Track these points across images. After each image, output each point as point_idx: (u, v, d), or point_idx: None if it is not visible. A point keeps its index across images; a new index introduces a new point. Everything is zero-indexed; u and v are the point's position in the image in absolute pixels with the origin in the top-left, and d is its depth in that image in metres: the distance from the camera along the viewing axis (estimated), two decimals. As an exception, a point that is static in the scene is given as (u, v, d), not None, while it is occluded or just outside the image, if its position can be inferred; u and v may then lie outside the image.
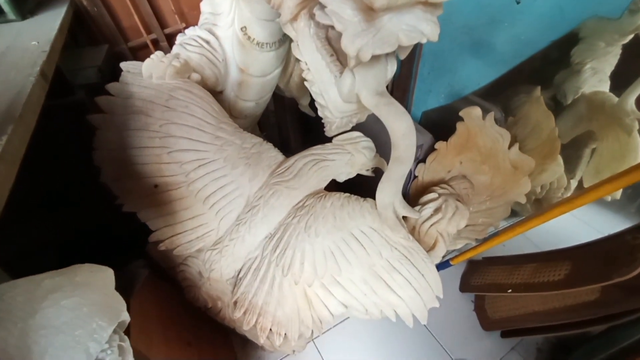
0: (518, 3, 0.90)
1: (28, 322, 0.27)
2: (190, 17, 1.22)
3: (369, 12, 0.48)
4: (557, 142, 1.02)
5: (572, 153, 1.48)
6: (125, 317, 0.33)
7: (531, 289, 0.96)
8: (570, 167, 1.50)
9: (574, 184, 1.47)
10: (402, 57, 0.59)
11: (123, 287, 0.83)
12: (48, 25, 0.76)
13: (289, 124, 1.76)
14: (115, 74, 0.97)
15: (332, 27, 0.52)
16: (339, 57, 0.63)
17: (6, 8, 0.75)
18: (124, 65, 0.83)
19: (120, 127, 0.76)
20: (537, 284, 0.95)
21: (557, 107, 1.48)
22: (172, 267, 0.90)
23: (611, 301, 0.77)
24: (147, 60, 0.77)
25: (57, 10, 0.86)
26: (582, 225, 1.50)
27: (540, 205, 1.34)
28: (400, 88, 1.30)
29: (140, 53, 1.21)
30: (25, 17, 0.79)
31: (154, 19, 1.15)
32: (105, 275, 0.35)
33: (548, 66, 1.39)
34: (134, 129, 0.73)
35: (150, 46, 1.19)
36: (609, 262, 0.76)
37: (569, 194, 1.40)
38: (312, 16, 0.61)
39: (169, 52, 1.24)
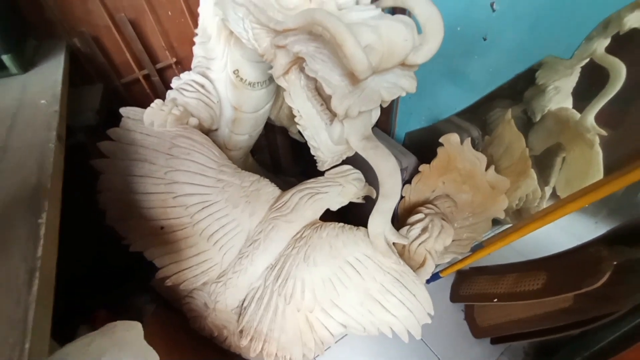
0: (485, 40, 1.00)
1: (85, 387, 0.32)
2: (180, 51, 1.27)
3: (354, 76, 0.55)
4: (528, 162, 1.12)
5: (545, 162, 1.60)
6: (160, 368, 0.38)
7: (514, 298, 1.04)
8: (544, 175, 1.61)
9: (548, 191, 1.58)
10: (385, 106, 0.67)
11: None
12: (51, 78, 0.79)
13: (279, 145, 1.83)
14: (111, 111, 1.01)
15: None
16: (328, 106, 0.70)
17: (8, 63, 0.78)
18: (124, 111, 0.88)
19: (123, 171, 0.80)
20: (519, 293, 1.03)
21: (529, 121, 1.60)
22: (177, 299, 0.93)
23: (583, 308, 0.85)
24: (148, 109, 0.82)
25: (55, 59, 0.89)
26: (559, 231, 1.60)
27: (520, 215, 1.44)
28: (384, 110, 1.38)
29: (133, 88, 1.25)
30: (27, 70, 0.82)
31: (145, 55, 1.19)
32: (138, 331, 0.40)
33: (518, 89, 1.51)
34: (138, 175, 0.77)
35: (143, 81, 1.23)
36: (578, 272, 0.85)
37: (544, 202, 1.51)
38: (302, 69, 0.68)
39: (161, 86, 1.29)
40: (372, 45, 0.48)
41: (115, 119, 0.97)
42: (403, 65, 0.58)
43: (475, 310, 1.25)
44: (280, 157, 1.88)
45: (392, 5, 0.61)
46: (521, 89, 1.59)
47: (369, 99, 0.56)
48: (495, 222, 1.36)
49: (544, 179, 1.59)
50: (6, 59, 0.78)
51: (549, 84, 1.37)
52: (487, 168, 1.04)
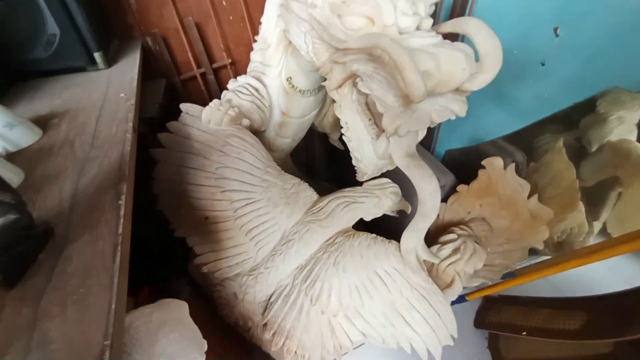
0: (543, 65, 0.97)
1: (150, 350, 0.37)
2: (236, 54, 1.36)
3: (408, 98, 0.57)
4: (577, 194, 1.06)
5: (597, 196, 1.49)
6: (205, 346, 0.43)
7: (547, 335, 0.99)
8: (594, 209, 1.50)
9: (597, 226, 1.48)
10: (432, 126, 0.68)
11: (169, 301, 0.95)
12: (129, 74, 0.90)
13: (315, 148, 1.87)
14: (170, 105, 1.10)
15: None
16: (376, 121, 0.72)
17: (98, 60, 0.90)
18: (183, 107, 0.96)
19: (178, 162, 0.88)
20: (553, 331, 0.98)
21: (581, 149, 1.50)
22: (209, 286, 1.00)
23: (623, 357, 0.80)
24: (207, 108, 0.89)
25: (132, 57, 1.01)
26: (605, 271, 1.49)
27: (560, 248, 1.36)
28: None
29: (189, 84, 1.37)
30: (110, 66, 0.93)
31: (205, 55, 1.29)
32: (185, 310, 0.45)
33: (573, 117, 1.43)
34: (192, 167, 0.85)
35: (199, 78, 1.34)
36: (623, 318, 0.80)
37: (591, 238, 1.41)
38: (354, 84, 0.71)
39: (214, 84, 1.39)
40: (429, 71, 0.50)
41: (170, 112, 1.07)
42: (456, 90, 0.59)
43: (501, 340, 1.20)
44: (316, 160, 1.93)
45: (451, 31, 0.62)
46: (577, 116, 1.50)
47: (419, 121, 0.58)
48: (532, 251, 1.30)
49: (593, 214, 1.49)
50: (97, 56, 0.90)
51: (611, 114, 1.28)
52: (530, 196, 1.01)
